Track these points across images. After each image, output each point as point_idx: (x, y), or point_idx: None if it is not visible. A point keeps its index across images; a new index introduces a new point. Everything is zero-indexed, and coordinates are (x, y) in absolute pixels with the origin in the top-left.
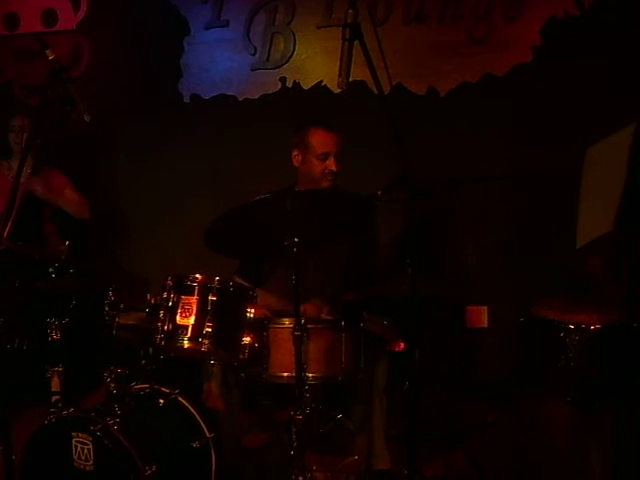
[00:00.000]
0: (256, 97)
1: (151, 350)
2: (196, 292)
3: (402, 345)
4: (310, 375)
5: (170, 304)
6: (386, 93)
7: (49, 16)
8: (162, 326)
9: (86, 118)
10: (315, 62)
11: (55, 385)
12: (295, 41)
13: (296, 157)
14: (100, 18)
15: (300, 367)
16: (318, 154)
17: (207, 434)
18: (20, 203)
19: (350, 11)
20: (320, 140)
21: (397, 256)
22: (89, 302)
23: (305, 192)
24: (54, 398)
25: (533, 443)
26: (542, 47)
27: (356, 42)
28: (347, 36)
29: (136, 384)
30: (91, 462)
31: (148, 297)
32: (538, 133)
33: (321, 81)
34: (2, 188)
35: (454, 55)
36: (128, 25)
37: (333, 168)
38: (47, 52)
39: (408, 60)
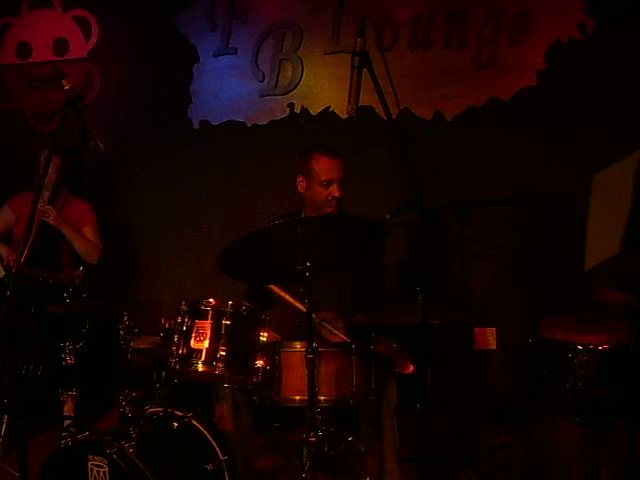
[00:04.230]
0: (264, 123)
1: (165, 374)
2: (210, 316)
3: (411, 367)
4: (322, 398)
5: (184, 328)
6: (393, 118)
7: (61, 45)
8: (176, 350)
9: (101, 146)
10: (323, 88)
11: (68, 409)
12: (303, 67)
13: (300, 183)
14: (110, 47)
15: (313, 390)
16: (321, 180)
17: (221, 457)
18: (38, 229)
19: (359, 39)
20: (323, 167)
21: (405, 279)
22: (103, 326)
23: (316, 217)
24: (66, 422)
25: (543, 463)
26: (547, 71)
27: (364, 69)
28: (356, 64)
29: (150, 407)
30: None
31: (162, 321)
32: (544, 156)
33: (329, 106)
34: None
35: (460, 80)
36: (138, 53)
37: (337, 194)
38: (63, 82)
39: (415, 85)
